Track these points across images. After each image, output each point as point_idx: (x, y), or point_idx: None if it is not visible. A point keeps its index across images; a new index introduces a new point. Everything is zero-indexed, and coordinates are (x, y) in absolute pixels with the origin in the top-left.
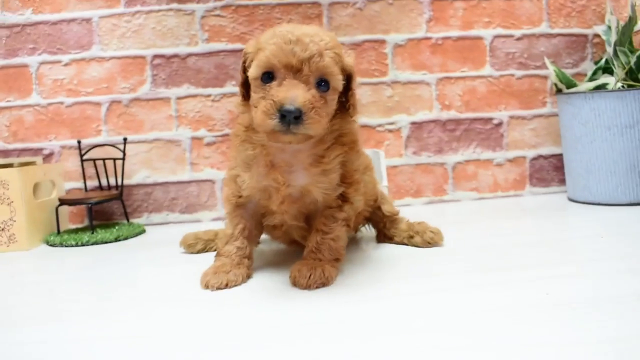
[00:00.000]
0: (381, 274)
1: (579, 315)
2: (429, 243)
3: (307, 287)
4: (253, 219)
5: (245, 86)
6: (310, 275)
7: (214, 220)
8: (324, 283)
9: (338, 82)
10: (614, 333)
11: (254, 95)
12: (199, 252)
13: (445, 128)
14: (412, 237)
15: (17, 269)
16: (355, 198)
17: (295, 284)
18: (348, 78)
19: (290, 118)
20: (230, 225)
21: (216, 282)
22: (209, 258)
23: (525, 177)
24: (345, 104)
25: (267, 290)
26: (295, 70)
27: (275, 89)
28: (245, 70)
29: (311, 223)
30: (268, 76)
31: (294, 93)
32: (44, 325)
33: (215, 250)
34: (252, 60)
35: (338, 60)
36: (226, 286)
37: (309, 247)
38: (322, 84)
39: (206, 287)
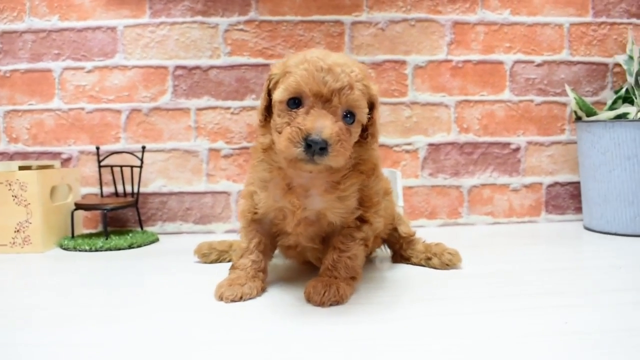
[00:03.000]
0: (396, 295)
1: (598, 345)
2: (447, 265)
3: (321, 304)
4: (268, 234)
5: (267, 109)
6: (324, 292)
7: (227, 232)
8: (338, 301)
9: (364, 115)
10: None
11: (277, 119)
12: (212, 262)
13: (463, 151)
14: (429, 258)
15: (30, 270)
16: (375, 219)
17: (309, 300)
18: (371, 107)
19: (315, 148)
20: (245, 239)
21: (231, 294)
22: (221, 269)
23: (541, 204)
24: (364, 132)
25: (281, 305)
26: (325, 100)
27: (302, 116)
28: (269, 92)
29: (327, 244)
30: (295, 102)
31: (322, 123)
32: (54, 327)
33: (228, 261)
34: (277, 83)
35: (366, 92)
36: (241, 299)
37: (325, 265)
38: (349, 116)
39: (220, 298)
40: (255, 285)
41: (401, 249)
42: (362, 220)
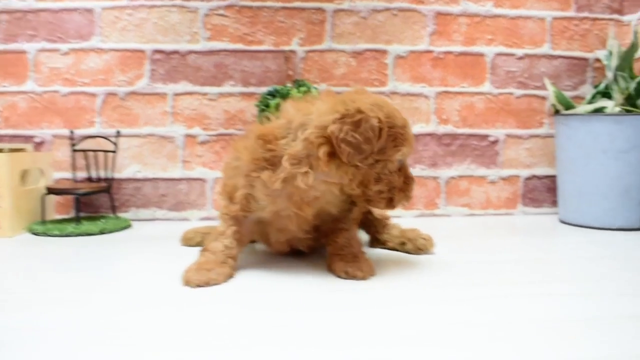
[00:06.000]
0: (372, 281)
1: (566, 333)
2: (420, 249)
3: (363, 278)
4: (247, 227)
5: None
6: (362, 268)
7: (202, 219)
8: (372, 274)
9: None
10: (598, 352)
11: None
12: (197, 244)
13: (441, 142)
14: (404, 243)
15: None
16: (360, 202)
17: (352, 277)
18: None
19: None
20: (224, 225)
21: (197, 278)
22: (191, 254)
23: (518, 197)
24: None
25: (247, 291)
26: None
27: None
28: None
29: (318, 232)
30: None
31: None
32: (20, 311)
33: None
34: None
35: None
36: (206, 284)
37: (340, 244)
38: None
39: (187, 283)
40: (223, 272)
41: (377, 233)
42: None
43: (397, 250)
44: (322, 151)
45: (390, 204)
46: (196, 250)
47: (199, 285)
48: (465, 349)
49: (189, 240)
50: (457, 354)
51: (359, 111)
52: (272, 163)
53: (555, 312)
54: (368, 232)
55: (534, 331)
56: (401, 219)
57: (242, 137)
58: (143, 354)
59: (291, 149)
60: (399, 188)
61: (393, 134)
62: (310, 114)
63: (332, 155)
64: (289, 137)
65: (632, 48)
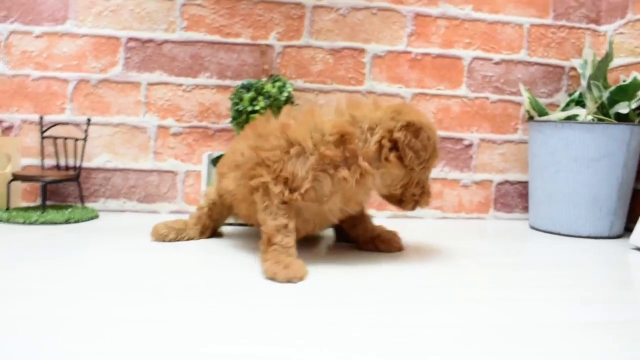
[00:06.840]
0: (341, 277)
1: (530, 338)
2: (391, 246)
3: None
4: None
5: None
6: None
7: (172, 212)
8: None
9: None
10: (561, 358)
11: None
12: (171, 240)
13: None
14: (373, 239)
15: None
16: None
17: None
18: None
19: None
20: (285, 218)
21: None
22: (158, 247)
23: (490, 201)
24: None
25: (240, 286)
26: None
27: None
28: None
29: None
30: None
31: None
32: None
33: (188, 239)
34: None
35: None
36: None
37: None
38: None
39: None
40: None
41: (350, 228)
42: None
43: (367, 245)
44: (393, 155)
45: (415, 205)
46: (167, 244)
47: (289, 281)
48: (433, 351)
49: (162, 237)
50: (427, 356)
51: (419, 122)
52: (345, 161)
53: (521, 317)
54: (338, 226)
55: (500, 335)
56: (373, 219)
57: (294, 123)
58: (105, 345)
59: (365, 150)
60: (426, 193)
61: (434, 146)
62: (371, 117)
63: (398, 158)
64: (361, 137)
65: (607, 58)
